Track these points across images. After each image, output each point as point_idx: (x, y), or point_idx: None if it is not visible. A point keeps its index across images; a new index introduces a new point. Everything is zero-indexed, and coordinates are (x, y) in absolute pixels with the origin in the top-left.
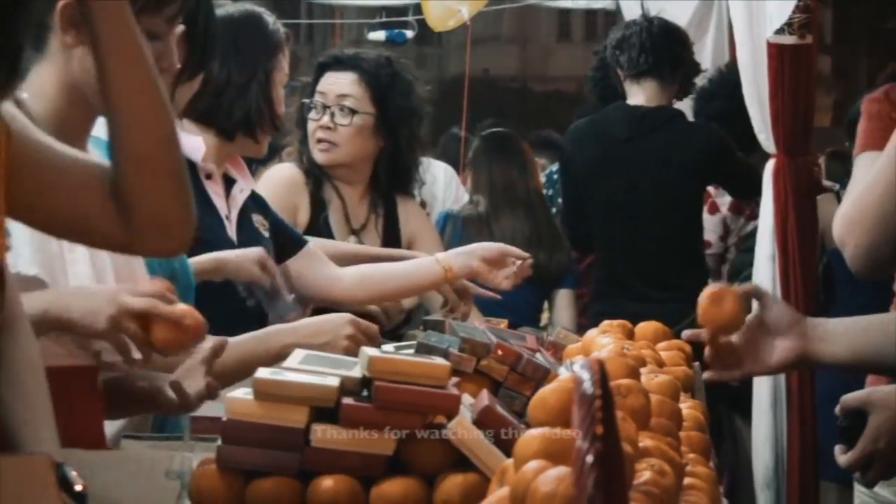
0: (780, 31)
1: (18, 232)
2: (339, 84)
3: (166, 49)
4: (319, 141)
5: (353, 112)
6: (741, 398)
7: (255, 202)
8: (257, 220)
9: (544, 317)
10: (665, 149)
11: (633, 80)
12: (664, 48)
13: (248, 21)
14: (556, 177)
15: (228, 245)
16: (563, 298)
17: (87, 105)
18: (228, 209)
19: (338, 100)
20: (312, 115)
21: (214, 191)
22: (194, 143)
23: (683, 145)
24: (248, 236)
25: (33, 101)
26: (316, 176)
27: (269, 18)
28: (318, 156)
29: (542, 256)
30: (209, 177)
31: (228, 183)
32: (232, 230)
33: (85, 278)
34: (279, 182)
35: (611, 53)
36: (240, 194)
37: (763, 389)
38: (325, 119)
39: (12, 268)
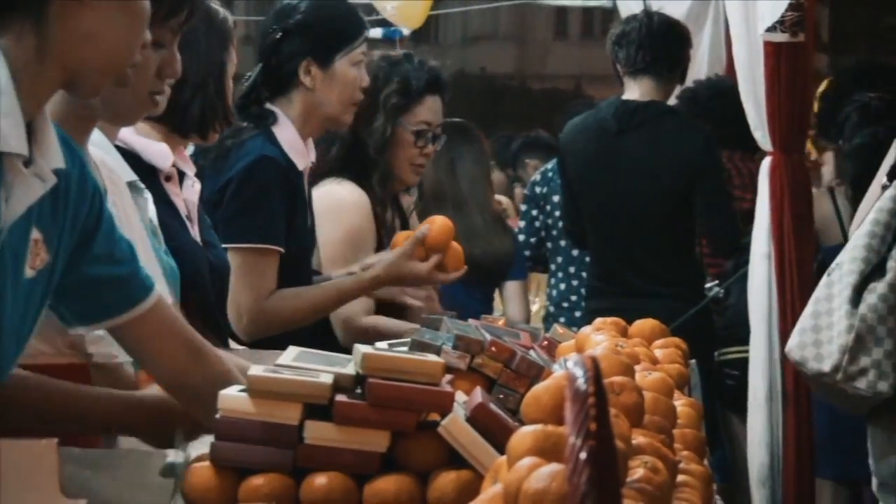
0: (772, 29)
1: None
2: (438, 110)
3: (171, 58)
4: (419, 166)
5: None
6: (737, 396)
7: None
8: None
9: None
10: (655, 143)
11: (631, 77)
12: (662, 46)
13: (199, 15)
14: (550, 175)
15: (193, 247)
16: (512, 290)
17: (87, 106)
18: (187, 209)
19: (437, 125)
20: (419, 141)
21: (174, 192)
22: (160, 149)
23: (674, 140)
24: (206, 233)
25: None
26: (382, 200)
27: (219, 9)
28: (413, 180)
29: (476, 252)
30: (168, 178)
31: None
32: (194, 230)
33: None
34: (362, 207)
35: (611, 48)
36: (192, 189)
37: (759, 387)
38: (431, 148)
39: None
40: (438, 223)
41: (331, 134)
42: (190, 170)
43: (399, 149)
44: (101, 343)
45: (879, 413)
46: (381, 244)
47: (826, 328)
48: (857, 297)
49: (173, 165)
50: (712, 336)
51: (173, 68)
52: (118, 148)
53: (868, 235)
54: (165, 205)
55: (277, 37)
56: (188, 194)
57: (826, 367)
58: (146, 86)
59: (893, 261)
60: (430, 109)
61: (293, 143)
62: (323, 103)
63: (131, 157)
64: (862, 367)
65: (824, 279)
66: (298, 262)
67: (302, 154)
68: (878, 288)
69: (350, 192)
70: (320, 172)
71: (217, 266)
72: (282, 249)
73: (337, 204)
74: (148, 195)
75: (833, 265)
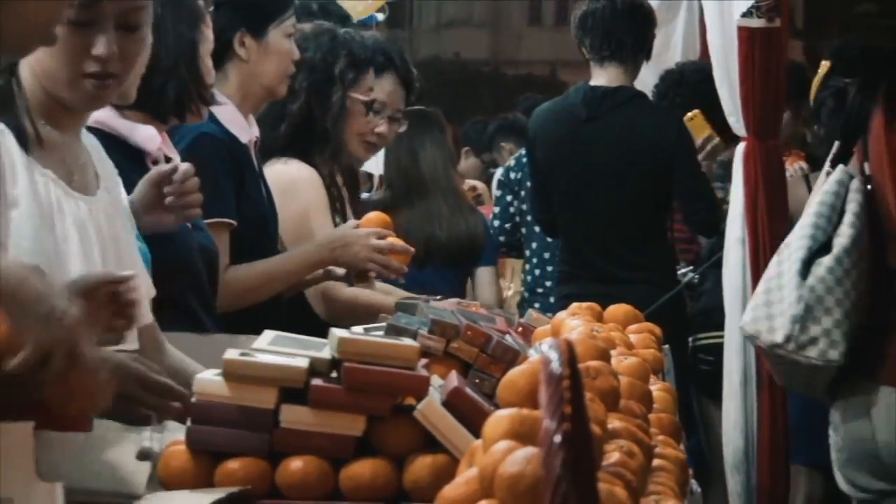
0: (747, 14)
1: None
2: (397, 95)
3: (147, 38)
4: (370, 143)
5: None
6: (712, 381)
7: None
8: None
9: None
10: (626, 128)
11: (598, 63)
12: (628, 31)
13: None
14: (524, 160)
15: (183, 230)
16: (483, 276)
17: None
18: None
19: (394, 108)
20: (370, 116)
21: None
22: (148, 132)
23: (644, 125)
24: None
25: (28, 87)
26: (331, 175)
27: None
28: (364, 155)
29: (441, 236)
30: (155, 162)
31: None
32: None
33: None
34: (315, 182)
35: (576, 33)
36: None
37: (734, 372)
38: (383, 127)
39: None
40: (373, 217)
41: (274, 112)
42: (175, 155)
43: (350, 120)
44: None
45: (837, 392)
46: (335, 221)
47: (777, 302)
48: (805, 270)
49: (159, 150)
50: (685, 321)
51: (103, 48)
52: (101, 132)
53: (815, 215)
54: None
55: (210, 10)
56: None
57: (778, 337)
58: (77, 67)
59: (839, 237)
60: (382, 88)
61: (233, 118)
62: (258, 75)
63: (116, 142)
64: (812, 336)
65: (774, 259)
66: (258, 232)
67: (243, 128)
68: (825, 261)
69: (299, 170)
70: (265, 153)
71: (206, 248)
72: (232, 221)
73: (288, 184)
74: (118, 179)
75: (782, 246)
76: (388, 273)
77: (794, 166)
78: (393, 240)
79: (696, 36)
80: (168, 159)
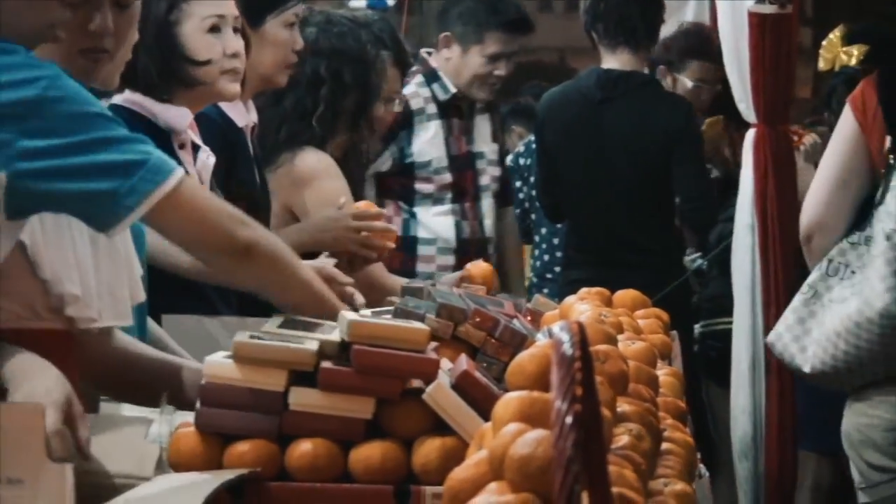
0: (760, 1)
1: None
2: (394, 76)
3: (134, 16)
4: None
5: None
6: (720, 368)
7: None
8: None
9: None
10: (638, 112)
11: (609, 49)
12: (640, 17)
13: None
14: (534, 146)
15: None
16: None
17: None
18: (201, 179)
19: (392, 91)
20: (393, 107)
21: (186, 160)
22: (179, 111)
23: (656, 110)
24: None
25: None
26: (355, 156)
27: None
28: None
29: None
30: (182, 146)
31: (193, 150)
32: None
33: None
34: (336, 173)
35: (586, 20)
36: (208, 161)
37: (742, 359)
38: (381, 110)
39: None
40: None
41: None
42: (200, 141)
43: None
44: (80, 304)
45: None
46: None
47: None
48: None
49: (186, 133)
50: (690, 307)
51: (97, 24)
52: (128, 111)
53: None
54: None
55: None
56: (201, 166)
57: None
58: (72, 44)
59: None
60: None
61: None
62: (255, 65)
63: (142, 122)
64: None
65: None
66: (247, 213)
67: (240, 112)
68: None
69: (320, 159)
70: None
71: None
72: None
73: (313, 173)
74: None
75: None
76: (369, 252)
77: (807, 138)
78: (374, 222)
79: (705, 21)
80: (196, 147)
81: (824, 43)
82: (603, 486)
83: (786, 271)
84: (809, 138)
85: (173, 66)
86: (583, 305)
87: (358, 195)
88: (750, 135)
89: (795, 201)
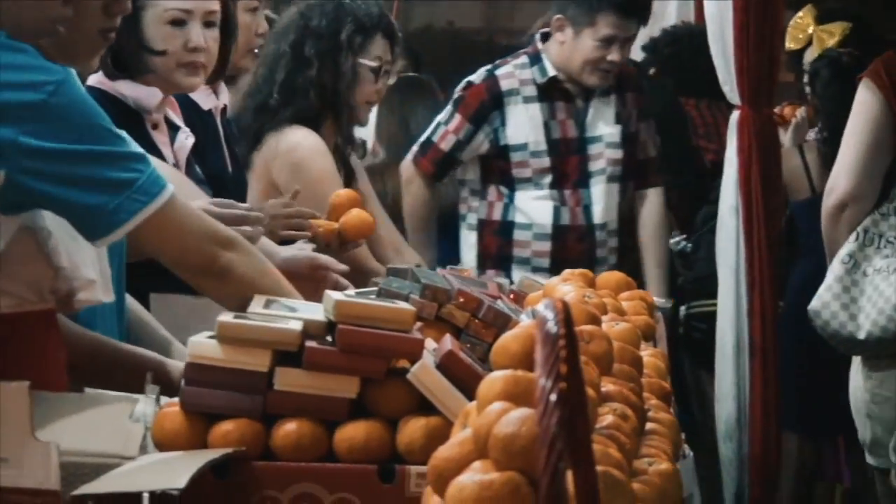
0: None
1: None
2: (388, 48)
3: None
4: (371, 104)
5: None
6: (705, 349)
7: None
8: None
9: None
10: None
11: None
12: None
13: None
14: None
15: None
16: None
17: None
18: (176, 159)
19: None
20: (378, 83)
21: (161, 141)
22: (148, 90)
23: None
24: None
25: None
26: (345, 141)
27: None
28: (365, 118)
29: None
30: (155, 126)
31: (171, 130)
32: None
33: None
34: (323, 151)
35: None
36: (186, 142)
37: (727, 340)
38: (381, 84)
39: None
40: (354, 218)
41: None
42: (181, 122)
43: (359, 87)
44: (93, 288)
45: None
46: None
47: None
48: None
49: (166, 119)
50: (674, 289)
51: (120, 5)
52: (99, 91)
53: None
54: (151, 153)
55: None
56: (178, 147)
57: None
58: (93, 23)
59: None
60: (380, 46)
61: None
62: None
63: (113, 103)
64: None
65: None
66: (214, 193)
67: (205, 95)
68: None
69: (306, 137)
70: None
71: None
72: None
73: (302, 154)
74: None
75: None
76: (293, 224)
77: (797, 112)
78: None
79: (690, 2)
80: (176, 128)
81: (792, 23)
82: (588, 465)
83: (770, 254)
84: (800, 112)
85: (128, 51)
86: (566, 287)
87: (349, 182)
88: (734, 117)
89: (780, 184)
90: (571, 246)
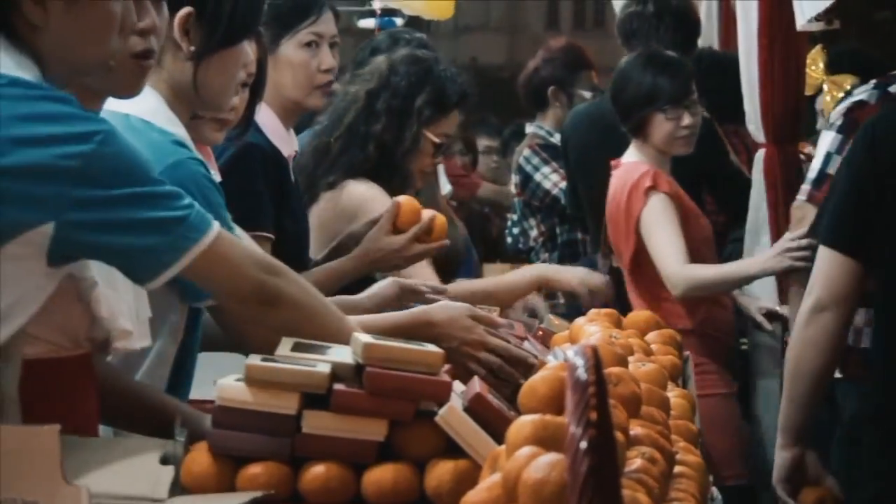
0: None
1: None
2: (456, 122)
3: (127, 10)
4: (428, 174)
5: None
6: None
7: None
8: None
9: None
10: None
11: None
12: (673, 38)
13: None
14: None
15: None
16: None
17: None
18: None
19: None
20: (436, 153)
21: None
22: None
23: None
24: None
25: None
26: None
27: None
28: (417, 187)
29: None
30: None
31: None
32: None
33: None
34: (385, 202)
35: (622, 38)
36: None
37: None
38: (440, 158)
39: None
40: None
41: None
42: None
43: (418, 157)
44: (130, 339)
45: None
46: None
47: None
48: None
49: None
50: None
51: (132, 20)
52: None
53: None
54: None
55: None
56: None
57: None
58: (129, 49)
59: None
60: (452, 123)
61: (276, 129)
62: (278, 87)
63: None
64: None
65: None
66: (296, 246)
67: (285, 140)
68: None
69: (369, 188)
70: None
71: None
72: (271, 236)
73: (362, 202)
74: None
75: None
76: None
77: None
78: (428, 245)
79: (714, 23)
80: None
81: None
82: None
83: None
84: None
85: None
86: (592, 327)
87: None
88: (759, 155)
89: None
90: None
